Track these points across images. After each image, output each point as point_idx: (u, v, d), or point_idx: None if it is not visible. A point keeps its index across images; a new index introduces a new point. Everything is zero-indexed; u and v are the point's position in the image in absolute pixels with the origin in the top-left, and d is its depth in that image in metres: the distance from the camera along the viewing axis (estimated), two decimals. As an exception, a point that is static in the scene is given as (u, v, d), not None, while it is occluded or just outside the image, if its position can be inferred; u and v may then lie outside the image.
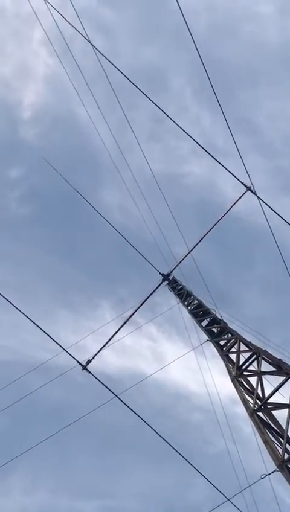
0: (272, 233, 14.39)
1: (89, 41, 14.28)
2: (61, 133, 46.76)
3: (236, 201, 18.56)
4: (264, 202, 14.67)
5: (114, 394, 12.23)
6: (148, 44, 44.42)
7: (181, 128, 13.22)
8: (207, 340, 17.48)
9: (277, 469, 10.28)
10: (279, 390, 12.30)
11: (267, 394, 12.74)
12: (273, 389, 12.56)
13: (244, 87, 42.68)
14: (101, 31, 40.30)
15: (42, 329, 10.92)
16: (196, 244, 20.06)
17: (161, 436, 11.23)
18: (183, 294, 21.83)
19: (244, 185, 15.95)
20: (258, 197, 15.00)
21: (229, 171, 14.47)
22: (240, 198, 17.83)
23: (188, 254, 20.39)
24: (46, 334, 11.03)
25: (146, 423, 11.47)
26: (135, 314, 18.73)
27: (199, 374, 19.77)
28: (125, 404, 11.89)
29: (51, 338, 11.18)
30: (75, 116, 43.44)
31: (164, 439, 11.25)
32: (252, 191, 15.74)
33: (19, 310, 10.37)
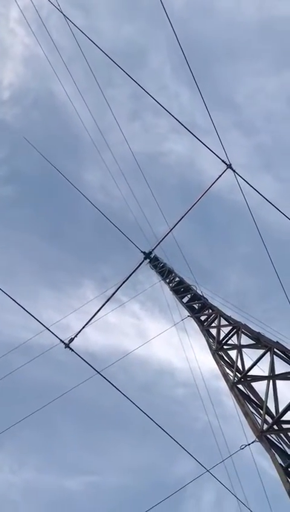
0: (250, 211, 14.46)
1: (66, 17, 14.05)
2: (41, 113, 46.18)
3: (216, 180, 18.54)
4: (244, 180, 14.70)
5: (96, 371, 12.35)
6: (127, 21, 43.75)
7: (161, 106, 13.11)
8: (188, 316, 17.66)
9: (257, 439, 10.53)
10: (258, 363, 12.53)
11: (247, 367, 12.98)
12: (252, 362, 12.81)
13: (223, 64, 42.46)
14: (79, 8, 39.57)
15: (24, 308, 10.93)
16: (177, 223, 20.08)
17: (142, 411, 11.40)
18: (164, 272, 21.96)
19: (224, 162, 15.96)
20: (238, 174, 15.03)
21: (209, 149, 14.44)
22: (220, 176, 17.83)
23: (168, 233, 20.42)
24: (28, 312, 11.04)
25: (128, 399, 11.61)
26: (117, 292, 18.81)
27: (181, 350, 20.02)
28: (108, 381, 12.01)
29: (33, 316, 11.21)
30: (54, 96, 42.86)
31: (146, 414, 11.41)
32: (232, 169, 15.78)
33: (1, 289, 10.36)
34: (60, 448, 35.72)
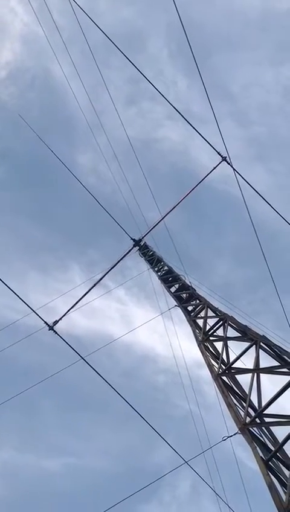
0: (245, 205, 14.38)
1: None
2: (38, 93, 45.64)
3: (211, 171, 18.45)
4: (239, 174, 14.61)
5: (80, 356, 12.29)
6: (127, 4, 43.21)
7: (162, 95, 12.88)
8: (175, 305, 17.66)
9: (239, 432, 10.57)
10: (243, 355, 12.57)
11: (232, 359, 13.02)
12: (238, 354, 12.85)
13: (221, 53, 42.09)
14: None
15: (10, 288, 10.80)
16: (169, 212, 19.99)
17: (126, 400, 11.38)
18: (153, 260, 21.89)
19: (220, 155, 15.86)
20: (233, 168, 14.92)
21: (206, 140, 14.29)
22: (215, 168, 17.75)
23: (160, 221, 20.34)
24: (16, 294, 10.86)
25: (112, 386, 11.58)
26: (104, 277, 18.77)
27: (165, 337, 20.04)
28: (92, 367, 11.97)
29: (20, 298, 11.05)
30: (52, 76, 42.35)
31: (130, 404, 11.40)
32: (227, 162, 15.67)
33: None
34: (41, 430, 35.84)
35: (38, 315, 10.88)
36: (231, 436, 11.00)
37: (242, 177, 14.42)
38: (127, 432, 34.72)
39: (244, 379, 12.82)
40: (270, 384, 12.10)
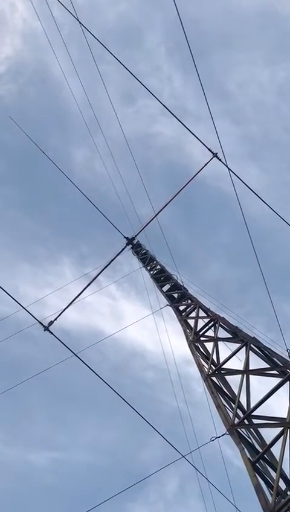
0: (238, 201, 14.42)
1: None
2: (35, 88, 45.50)
3: (202, 168, 18.51)
4: (229, 169, 14.62)
5: (73, 353, 12.32)
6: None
7: (151, 93, 12.94)
8: (167, 305, 17.73)
9: (227, 432, 10.67)
10: (233, 356, 12.68)
11: (222, 360, 13.11)
12: (228, 355, 12.95)
13: (218, 51, 42.12)
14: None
15: (7, 292, 10.80)
16: (161, 210, 20.05)
17: (121, 397, 11.39)
18: (146, 259, 21.94)
19: (211, 151, 15.92)
20: (224, 164, 14.97)
21: (196, 137, 14.31)
22: (206, 164, 17.81)
23: (152, 219, 20.39)
24: (9, 295, 10.90)
25: (106, 383, 11.59)
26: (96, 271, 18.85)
27: (155, 333, 20.11)
28: (87, 366, 11.97)
29: (14, 299, 11.07)
30: (50, 72, 42.19)
31: (127, 403, 11.40)
32: (218, 158, 15.74)
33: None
34: (29, 423, 35.89)
35: (32, 316, 10.86)
36: (219, 436, 11.09)
37: (233, 173, 14.41)
38: (116, 428, 34.83)
39: (233, 379, 12.93)
40: (259, 385, 12.23)
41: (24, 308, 11.78)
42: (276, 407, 11.22)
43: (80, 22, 11.76)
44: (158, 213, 20.22)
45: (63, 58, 21.37)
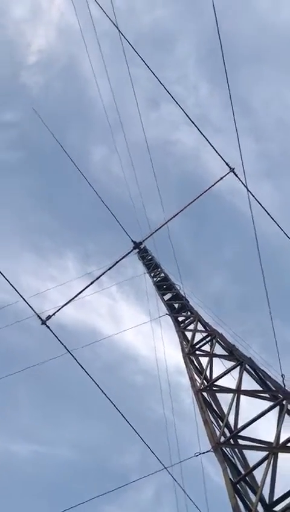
0: (252, 220, 14.43)
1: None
2: (62, 83, 45.79)
3: (217, 181, 18.61)
4: (245, 186, 14.70)
5: (68, 351, 12.38)
6: (163, 5, 43.41)
7: (175, 101, 13.02)
8: (166, 314, 17.75)
9: (212, 450, 10.66)
10: (227, 375, 12.68)
11: (215, 376, 13.11)
12: (221, 372, 12.95)
13: (247, 66, 42.13)
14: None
15: (8, 280, 10.85)
16: (172, 218, 20.13)
17: (113, 403, 11.46)
18: (151, 265, 21.97)
19: (228, 166, 15.96)
20: (240, 180, 15.00)
21: (216, 151, 14.39)
22: (221, 178, 17.88)
23: (162, 226, 20.48)
24: (11, 285, 10.97)
25: (98, 386, 11.68)
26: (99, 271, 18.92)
27: (151, 339, 20.07)
28: (79, 364, 12.06)
29: (15, 289, 11.14)
30: (79, 69, 42.44)
31: (118, 409, 11.48)
32: (235, 173, 15.77)
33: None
34: (16, 414, 35.93)
35: (32, 308, 10.97)
36: (203, 453, 11.08)
37: (248, 190, 14.51)
38: (101, 429, 34.82)
39: (223, 396, 12.91)
40: (248, 404, 12.22)
41: (24, 300, 11.85)
42: (262, 430, 11.23)
43: (116, 26, 11.82)
44: (168, 221, 20.28)
45: (93, 56, 21.55)
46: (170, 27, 42.73)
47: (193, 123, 13.04)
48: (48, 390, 36.16)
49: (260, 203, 13.94)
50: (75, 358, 12.20)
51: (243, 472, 10.12)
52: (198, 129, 13.05)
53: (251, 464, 10.34)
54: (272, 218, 13.73)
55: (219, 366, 13.48)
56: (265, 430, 11.10)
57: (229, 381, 12.81)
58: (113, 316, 35.27)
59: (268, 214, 13.77)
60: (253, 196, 14.21)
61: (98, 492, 12.59)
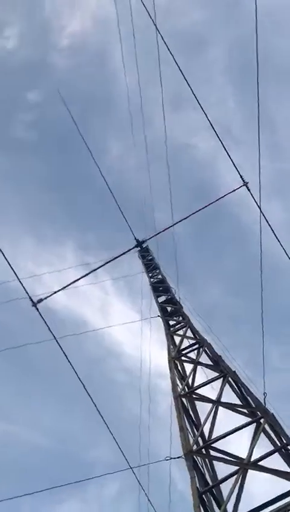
0: (260, 238, 14.41)
1: None
2: (91, 71, 45.80)
3: (229, 193, 18.64)
4: (256, 202, 14.67)
5: (54, 337, 12.39)
6: (201, 7, 43.42)
7: (200, 106, 12.93)
8: (158, 316, 17.74)
9: (183, 456, 10.62)
10: (208, 385, 12.67)
11: (196, 384, 13.10)
12: (203, 381, 12.94)
13: (276, 82, 42.02)
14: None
15: (5, 257, 10.83)
16: (178, 222, 20.14)
17: (90, 396, 11.47)
18: (150, 266, 21.95)
19: (243, 179, 15.97)
20: (252, 195, 14.97)
21: (233, 162, 14.40)
22: (234, 190, 17.89)
23: (167, 228, 20.50)
24: (8, 262, 10.95)
25: (78, 377, 11.69)
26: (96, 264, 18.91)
27: (138, 338, 20.03)
28: (64, 353, 12.09)
29: (11, 268, 11.13)
30: (109, 59, 42.41)
31: (94, 404, 11.51)
32: (247, 188, 15.78)
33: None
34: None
35: (25, 289, 10.97)
36: (174, 458, 11.06)
37: (259, 207, 14.49)
38: (74, 419, 34.76)
39: (202, 406, 12.88)
40: (225, 417, 12.18)
41: (19, 280, 11.83)
42: (233, 445, 11.19)
43: (155, 25, 11.78)
44: (174, 224, 20.29)
45: (126, 48, 21.56)
46: (205, 30, 42.79)
47: (215, 132, 12.98)
48: (28, 372, 36.14)
49: (267, 220, 13.91)
50: (59, 345, 12.20)
51: (210, 483, 10.10)
52: (219, 139, 13.00)
53: (219, 477, 10.34)
54: (278, 240, 13.72)
55: (202, 375, 13.47)
56: (237, 444, 11.09)
57: (209, 391, 12.80)
58: (104, 310, 35.25)
59: (274, 234, 13.76)
60: (261, 212, 14.20)
61: (62, 481, 12.51)
